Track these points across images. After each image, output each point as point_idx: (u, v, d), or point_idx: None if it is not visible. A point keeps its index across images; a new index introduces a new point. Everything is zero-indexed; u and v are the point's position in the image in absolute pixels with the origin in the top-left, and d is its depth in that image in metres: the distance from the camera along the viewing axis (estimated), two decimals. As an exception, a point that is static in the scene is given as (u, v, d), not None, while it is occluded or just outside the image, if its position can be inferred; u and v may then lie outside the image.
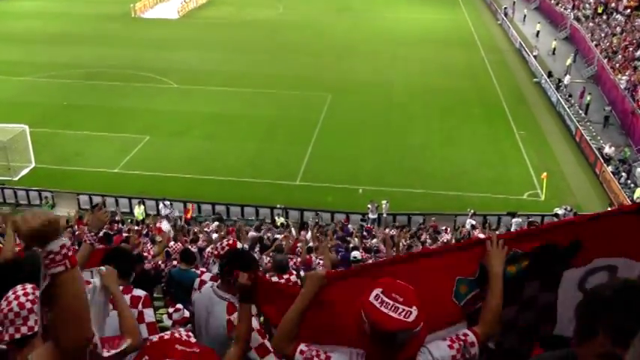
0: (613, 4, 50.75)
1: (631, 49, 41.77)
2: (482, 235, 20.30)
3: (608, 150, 32.27)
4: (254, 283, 4.05)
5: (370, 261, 14.72)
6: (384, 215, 27.56)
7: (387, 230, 23.73)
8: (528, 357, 3.92)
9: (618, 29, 46.22)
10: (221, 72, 46.21)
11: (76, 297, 2.62)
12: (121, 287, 4.83)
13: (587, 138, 33.80)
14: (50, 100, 40.06)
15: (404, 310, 2.98)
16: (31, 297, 3.98)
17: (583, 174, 31.78)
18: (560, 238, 3.78)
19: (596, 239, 3.74)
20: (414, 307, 3.00)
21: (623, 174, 30.36)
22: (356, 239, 19.72)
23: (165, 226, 22.35)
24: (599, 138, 34.77)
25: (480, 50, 53.43)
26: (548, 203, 28.37)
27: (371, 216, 27.15)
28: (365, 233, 22.59)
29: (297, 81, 44.24)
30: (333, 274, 3.87)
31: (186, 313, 7.29)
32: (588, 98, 38.62)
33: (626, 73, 38.73)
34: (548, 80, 43.38)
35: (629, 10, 47.70)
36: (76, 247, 8.46)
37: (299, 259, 12.40)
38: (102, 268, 4.29)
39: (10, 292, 3.92)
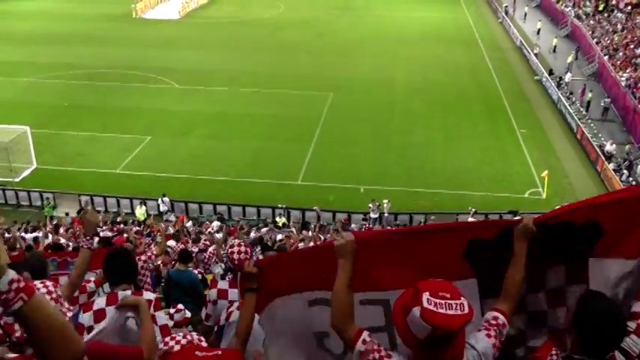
0: (614, 2, 50.69)
1: (632, 46, 41.73)
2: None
3: (609, 147, 32.24)
4: (259, 270, 4.08)
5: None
6: (386, 214, 27.55)
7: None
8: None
9: (619, 26, 46.18)
10: (222, 71, 46.22)
11: (48, 320, 2.53)
12: (129, 291, 4.84)
13: (589, 135, 33.78)
14: (51, 101, 40.09)
15: (456, 304, 2.99)
16: (54, 294, 4.02)
17: (584, 171, 31.77)
18: (577, 217, 3.82)
19: (615, 223, 3.76)
20: (462, 299, 3.02)
21: (625, 171, 30.35)
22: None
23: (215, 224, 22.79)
24: (600, 135, 34.74)
25: (481, 48, 53.40)
26: (549, 201, 28.32)
27: (372, 215, 27.14)
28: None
29: (298, 80, 44.25)
30: (360, 234, 3.93)
31: (188, 314, 7.29)
32: (589, 96, 38.59)
33: (627, 71, 38.71)
34: (549, 78, 43.36)
35: (629, 8, 47.64)
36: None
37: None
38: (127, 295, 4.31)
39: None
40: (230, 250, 5.48)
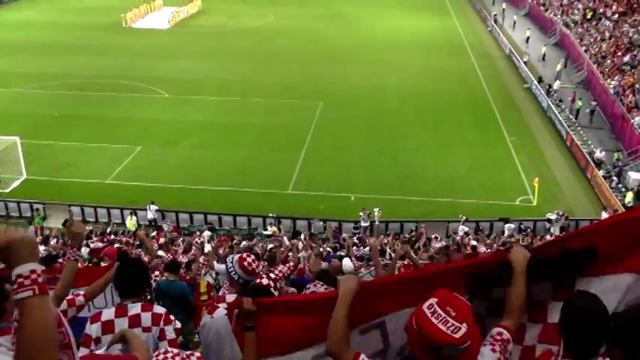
0: (601, 10, 51.03)
1: (619, 53, 41.99)
2: (474, 242, 20.33)
3: (599, 154, 32.39)
4: (258, 308, 3.97)
5: (363, 270, 14.71)
6: (377, 223, 27.55)
7: (374, 239, 23.60)
8: None
9: (607, 34, 46.48)
10: (212, 81, 46.20)
11: (43, 325, 2.49)
12: (139, 303, 4.81)
13: (578, 143, 33.94)
14: (41, 111, 39.94)
15: (453, 325, 2.98)
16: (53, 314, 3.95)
17: (574, 178, 31.91)
18: (574, 244, 3.81)
19: (613, 246, 3.73)
20: (465, 324, 3.00)
21: (615, 178, 30.49)
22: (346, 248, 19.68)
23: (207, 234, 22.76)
24: (590, 142, 34.90)
25: (471, 57, 53.64)
26: (540, 208, 28.45)
27: (363, 224, 27.14)
28: (357, 241, 22.55)
29: (288, 88, 44.29)
30: (365, 283, 3.91)
31: (178, 324, 7.24)
32: (579, 103, 38.80)
33: (615, 78, 38.95)
34: (538, 86, 43.58)
35: (617, 16, 47.97)
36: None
37: (291, 264, 12.37)
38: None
39: None
40: (241, 262, 5.48)
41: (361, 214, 27.16)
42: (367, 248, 19.75)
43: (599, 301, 3.29)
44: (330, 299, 3.71)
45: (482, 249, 19.27)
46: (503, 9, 68.18)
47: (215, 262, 14.99)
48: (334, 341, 3.49)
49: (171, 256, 15.12)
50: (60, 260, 11.29)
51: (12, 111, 40.07)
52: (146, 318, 4.74)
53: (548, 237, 23.55)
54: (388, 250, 18.55)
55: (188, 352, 4.11)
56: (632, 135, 33.23)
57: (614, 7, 49.24)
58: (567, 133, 35.54)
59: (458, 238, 23.45)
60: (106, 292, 6.75)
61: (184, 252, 17.96)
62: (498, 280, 3.86)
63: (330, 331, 3.54)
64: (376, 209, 27.42)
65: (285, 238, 21.21)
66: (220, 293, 6.40)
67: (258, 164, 32.80)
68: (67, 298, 5.68)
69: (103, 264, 11.54)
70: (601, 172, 30.58)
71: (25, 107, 40.99)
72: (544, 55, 51.35)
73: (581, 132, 36.47)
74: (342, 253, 16.90)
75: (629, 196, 28.22)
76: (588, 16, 51.91)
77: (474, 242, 20.76)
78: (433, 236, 23.65)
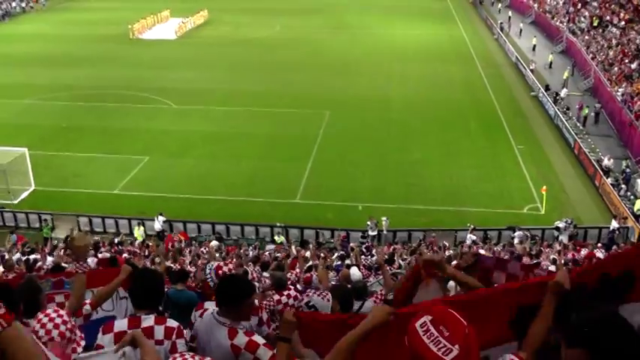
0: (608, 17, 51.00)
1: (627, 61, 41.92)
2: (482, 251, 20.24)
3: (607, 162, 32.28)
4: (298, 320, 4.00)
5: (371, 278, 14.69)
6: (384, 232, 27.51)
7: (385, 249, 23.58)
8: None
9: (614, 42, 46.42)
10: (219, 91, 46.31)
11: (27, 354, 2.56)
12: (153, 316, 4.81)
13: (586, 150, 33.82)
14: (49, 122, 40.11)
15: (445, 346, 2.81)
16: (69, 325, 3.98)
17: (582, 186, 31.79)
18: (611, 268, 3.74)
19: None
20: (457, 346, 2.82)
21: (623, 186, 30.37)
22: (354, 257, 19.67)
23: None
24: (597, 150, 34.79)
25: (477, 65, 53.62)
26: (548, 216, 28.35)
27: (370, 233, 27.09)
28: (364, 250, 22.54)
29: (295, 98, 44.36)
30: (403, 311, 3.78)
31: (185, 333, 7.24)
32: (586, 111, 38.73)
33: (623, 85, 38.87)
34: (545, 94, 43.50)
35: (623, 23, 47.93)
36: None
37: (297, 271, 12.40)
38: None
39: (45, 318, 3.90)
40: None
41: (369, 223, 27.12)
42: (374, 258, 19.74)
43: (623, 317, 3.23)
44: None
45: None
46: (509, 17, 68.22)
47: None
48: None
49: (179, 266, 15.14)
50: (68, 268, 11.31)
51: (21, 122, 40.27)
52: (159, 331, 4.73)
53: (556, 245, 23.45)
54: (398, 259, 18.53)
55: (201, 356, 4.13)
56: (640, 142, 33.17)
57: (622, 15, 49.17)
58: (575, 140, 35.44)
59: (466, 246, 23.40)
60: (113, 296, 6.77)
61: (192, 263, 17.96)
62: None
63: (334, 350, 3.47)
64: (384, 218, 27.38)
65: (292, 248, 21.23)
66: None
67: (266, 174, 32.82)
68: None
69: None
70: (609, 180, 30.45)
71: (33, 118, 41.18)
72: (551, 62, 51.31)
73: (589, 140, 36.35)
74: (349, 262, 16.87)
75: (638, 204, 28.09)
76: (594, 24, 51.88)
77: (482, 251, 20.70)
78: (441, 244, 23.63)
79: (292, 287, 9.44)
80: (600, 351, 2.91)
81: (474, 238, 25.30)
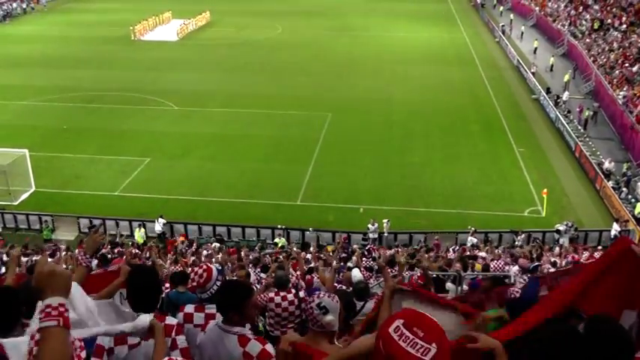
0: (609, 21, 50.99)
1: (627, 64, 41.92)
2: (483, 254, 20.24)
3: (607, 165, 32.27)
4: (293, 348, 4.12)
5: (372, 280, 14.67)
6: (385, 234, 27.50)
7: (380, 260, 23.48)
8: None
9: (615, 45, 46.42)
10: (221, 93, 46.36)
11: (60, 355, 2.67)
12: (152, 314, 4.80)
13: (587, 153, 33.82)
14: (50, 124, 40.14)
15: (422, 346, 2.77)
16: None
17: (583, 189, 31.78)
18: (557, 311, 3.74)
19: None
20: (434, 345, 2.79)
21: (624, 189, 30.35)
22: (355, 258, 19.65)
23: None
24: (598, 153, 34.79)
25: (479, 68, 53.63)
26: (549, 219, 28.34)
27: (371, 235, 27.07)
28: (365, 252, 22.52)
29: (297, 100, 44.37)
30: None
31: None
32: (587, 113, 38.73)
33: (624, 89, 38.86)
34: (546, 97, 43.50)
35: (624, 26, 47.92)
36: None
37: (298, 273, 12.37)
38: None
39: None
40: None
41: (369, 225, 27.11)
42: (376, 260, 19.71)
43: (620, 324, 3.27)
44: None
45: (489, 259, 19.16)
46: (511, 20, 68.28)
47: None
48: None
49: (180, 268, 15.14)
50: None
51: (21, 123, 40.32)
52: None
53: (557, 248, 23.45)
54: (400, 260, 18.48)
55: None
56: (641, 145, 33.18)
57: (623, 18, 49.16)
58: (576, 143, 35.44)
59: (466, 248, 23.37)
60: (114, 297, 6.76)
61: (193, 264, 17.94)
62: None
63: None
64: (385, 220, 27.39)
65: (294, 249, 21.22)
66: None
67: (267, 176, 32.82)
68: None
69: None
70: (610, 183, 30.44)
71: (34, 120, 41.21)
72: (552, 65, 51.33)
73: (590, 143, 36.35)
74: (350, 265, 16.86)
75: (639, 207, 28.09)
76: (595, 27, 51.87)
77: (482, 253, 20.69)
78: (452, 249, 23.63)
79: (293, 291, 9.44)
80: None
81: (475, 240, 25.28)
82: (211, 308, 5.58)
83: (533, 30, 64.59)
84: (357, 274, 12.74)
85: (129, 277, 5.13)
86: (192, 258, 20.24)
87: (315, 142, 37.13)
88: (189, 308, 5.79)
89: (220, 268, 15.14)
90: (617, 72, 42.21)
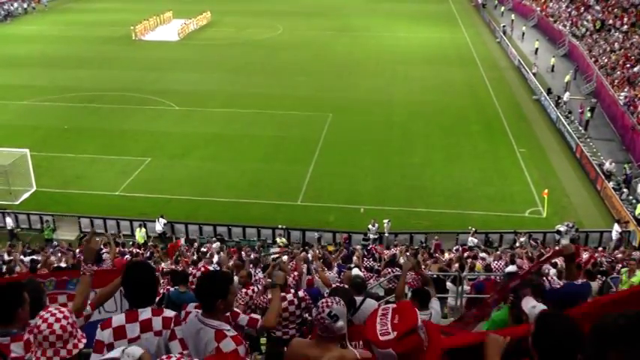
0: (610, 21, 50.97)
1: (629, 65, 41.90)
2: (484, 255, 20.23)
3: (608, 166, 32.25)
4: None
5: (372, 281, 14.66)
6: (386, 234, 27.49)
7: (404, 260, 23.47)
8: None
9: (616, 45, 46.39)
10: (221, 93, 46.38)
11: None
12: (150, 308, 4.82)
13: (588, 154, 33.80)
14: (51, 124, 40.16)
15: (386, 329, 3.15)
16: (70, 320, 4.02)
17: (584, 190, 31.77)
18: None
19: None
20: (394, 333, 3.13)
21: (625, 190, 30.33)
22: (355, 258, 19.65)
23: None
24: (599, 154, 34.77)
25: (480, 68, 53.62)
26: (549, 220, 28.34)
27: (371, 236, 27.07)
28: (365, 252, 22.53)
29: (297, 101, 44.38)
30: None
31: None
32: (588, 115, 38.71)
33: (625, 89, 38.84)
34: (547, 97, 43.48)
35: (626, 27, 47.90)
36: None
37: (296, 274, 12.38)
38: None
39: (47, 314, 3.95)
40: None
41: (370, 226, 27.11)
42: (380, 259, 19.70)
43: (571, 318, 3.43)
44: None
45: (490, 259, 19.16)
46: (512, 20, 68.29)
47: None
48: None
49: (181, 268, 15.15)
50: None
51: (22, 123, 40.33)
52: (157, 322, 4.73)
53: (557, 249, 23.42)
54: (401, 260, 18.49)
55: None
56: (642, 146, 33.18)
57: (625, 19, 49.13)
58: (577, 144, 35.42)
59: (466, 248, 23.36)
60: (115, 295, 6.77)
61: (193, 264, 17.95)
62: None
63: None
64: (385, 221, 27.38)
65: (294, 250, 21.20)
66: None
67: (268, 176, 32.84)
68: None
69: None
70: (611, 184, 30.43)
71: (35, 120, 41.22)
72: (553, 66, 51.33)
73: (591, 143, 36.33)
74: (352, 264, 16.87)
75: (640, 208, 28.12)
76: (597, 27, 51.86)
77: (483, 254, 20.68)
78: (454, 249, 23.64)
79: (292, 291, 9.43)
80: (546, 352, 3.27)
81: (476, 241, 25.29)
82: None
83: (534, 30, 64.58)
84: (358, 274, 12.73)
85: (125, 272, 5.12)
86: (193, 257, 20.23)
87: (315, 142, 37.14)
88: (191, 307, 5.80)
89: (219, 269, 15.15)
90: (618, 73, 42.19)
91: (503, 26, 65.91)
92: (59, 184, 32.11)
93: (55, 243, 25.66)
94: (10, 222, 28.73)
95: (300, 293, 9.42)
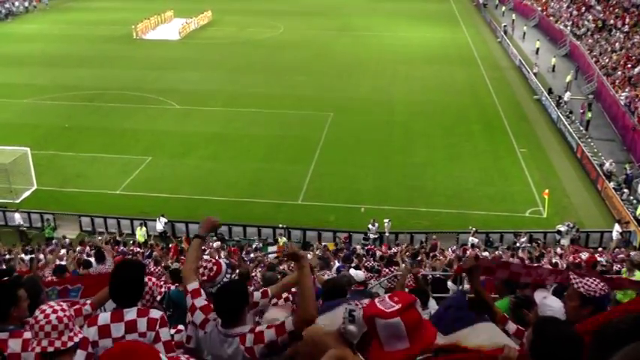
0: (612, 22, 50.95)
1: (630, 65, 41.88)
2: (486, 253, 20.23)
3: (608, 166, 32.23)
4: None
5: (372, 281, 14.66)
6: (387, 234, 27.49)
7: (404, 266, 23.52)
8: None
9: (617, 46, 46.37)
10: (222, 92, 46.36)
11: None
12: (135, 308, 4.79)
13: (589, 154, 33.79)
14: (52, 122, 40.16)
15: (390, 305, 3.30)
16: (68, 313, 4.03)
17: (585, 190, 31.75)
18: None
19: None
20: (399, 305, 3.30)
21: (625, 190, 30.32)
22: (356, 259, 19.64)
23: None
24: (600, 154, 34.75)
25: (481, 68, 53.60)
26: (550, 220, 28.33)
27: (371, 235, 27.06)
28: (365, 252, 22.52)
29: (298, 100, 44.36)
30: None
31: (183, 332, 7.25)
32: (589, 115, 38.68)
33: (626, 90, 38.81)
34: (548, 97, 43.45)
35: (627, 27, 47.88)
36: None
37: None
38: None
39: (45, 306, 3.98)
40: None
41: (370, 226, 27.10)
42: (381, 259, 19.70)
43: (569, 325, 3.52)
44: None
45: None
46: (513, 20, 68.26)
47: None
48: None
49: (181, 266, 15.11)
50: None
51: (23, 122, 40.31)
52: (142, 323, 4.69)
53: (558, 249, 23.43)
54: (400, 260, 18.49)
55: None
56: (643, 147, 33.16)
57: (626, 19, 49.11)
58: (577, 144, 35.40)
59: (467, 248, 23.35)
60: None
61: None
62: None
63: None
64: (385, 220, 27.37)
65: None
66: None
67: (268, 175, 32.83)
68: (74, 307, 5.71)
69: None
70: (611, 184, 30.41)
71: (35, 118, 41.21)
72: (554, 66, 51.31)
73: (592, 143, 36.32)
74: (353, 264, 16.84)
75: (641, 208, 28.11)
76: (598, 26, 51.83)
77: (484, 254, 20.68)
78: (450, 249, 23.63)
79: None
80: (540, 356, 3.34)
81: (476, 240, 25.27)
82: None
83: (536, 30, 64.55)
84: (359, 274, 12.73)
85: (113, 270, 5.10)
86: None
87: (316, 141, 37.12)
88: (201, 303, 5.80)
89: (228, 262, 15.14)
90: (619, 73, 42.16)
91: (504, 26, 65.89)
92: (60, 183, 32.12)
93: (55, 241, 25.64)
94: (18, 218, 28.75)
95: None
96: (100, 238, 24.30)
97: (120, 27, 67.89)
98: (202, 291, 5.06)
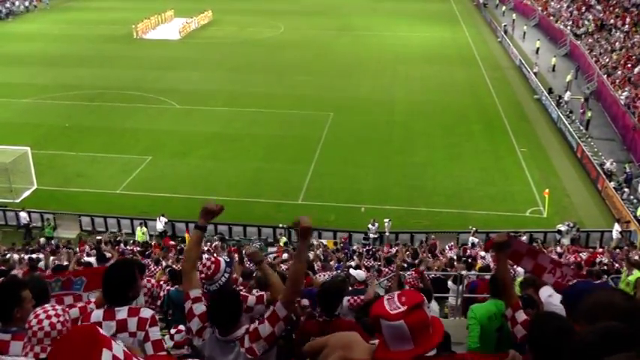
0: (612, 21, 50.93)
1: (630, 65, 41.87)
2: (483, 253, 20.21)
3: (609, 166, 32.23)
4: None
5: (373, 280, 14.67)
6: (387, 234, 27.48)
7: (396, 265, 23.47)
8: None
9: (617, 45, 46.35)
10: (223, 92, 46.35)
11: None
12: (126, 307, 4.79)
13: (589, 154, 33.79)
14: (52, 122, 40.18)
15: (396, 307, 3.27)
16: (62, 318, 4.01)
17: (585, 190, 31.76)
18: None
19: None
20: (405, 307, 3.26)
21: (626, 190, 30.31)
22: (356, 258, 19.67)
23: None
24: (600, 154, 34.75)
25: (481, 67, 53.58)
26: (550, 220, 28.33)
27: (372, 235, 27.06)
28: (365, 252, 22.53)
29: (298, 100, 44.36)
30: None
31: (183, 332, 7.26)
32: (589, 114, 38.67)
33: (626, 89, 38.80)
34: (548, 97, 43.44)
35: (627, 27, 47.86)
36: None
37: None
38: None
39: (40, 310, 3.96)
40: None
41: (370, 226, 27.10)
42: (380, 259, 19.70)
43: (565, 319, 3.58)
44: None
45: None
46: (513, 20, 68.24)
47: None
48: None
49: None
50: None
51: (23, 121, 40.32)
52: (132, 323, 4.69)
53: (558, 249, 23.43)
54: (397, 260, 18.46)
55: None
56: (643, 146, 33.15)
57: (627, 19, 49.09)
58: (578, 144, 35.41)
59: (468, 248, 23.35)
60: None
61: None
62: None
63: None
64: (386, 220, 27.37)
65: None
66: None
67: (269, 175, 32.84)
68: (79, 306, 5.71)
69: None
70: (612, 184, 30.41)
71: (36, 118, 41.22)
72: (554, 66, 51.29)
73: (592, 143, 36.32)
74: (353, 264, 16.86)
75: (641, 208, 28.11)
76: (599, 25, 51.81)
77: (483, 253, 20.66)
78: (447, 246, 23.62)
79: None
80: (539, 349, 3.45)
81: (476, 240, 25.26)
82: None
83: (536, 30, 64.49)
84: (360, 274, 12.73)
85: (106, 270, 5.09)
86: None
87: (316, 141, 37.12)
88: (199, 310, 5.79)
89: (229, 260, 15.12)
90: (619, 73, 42.15)
91: (505, 26, 65.87)
92: (60, 182, 32.12)
93: (55, 241, 25.64)
94: (24, 216, 28.75)
95: (305, 301, 9.29)
96: (102, 237, 24.28)
97: (120, 27, 67.87)
98: (204, 298, 5.01)
